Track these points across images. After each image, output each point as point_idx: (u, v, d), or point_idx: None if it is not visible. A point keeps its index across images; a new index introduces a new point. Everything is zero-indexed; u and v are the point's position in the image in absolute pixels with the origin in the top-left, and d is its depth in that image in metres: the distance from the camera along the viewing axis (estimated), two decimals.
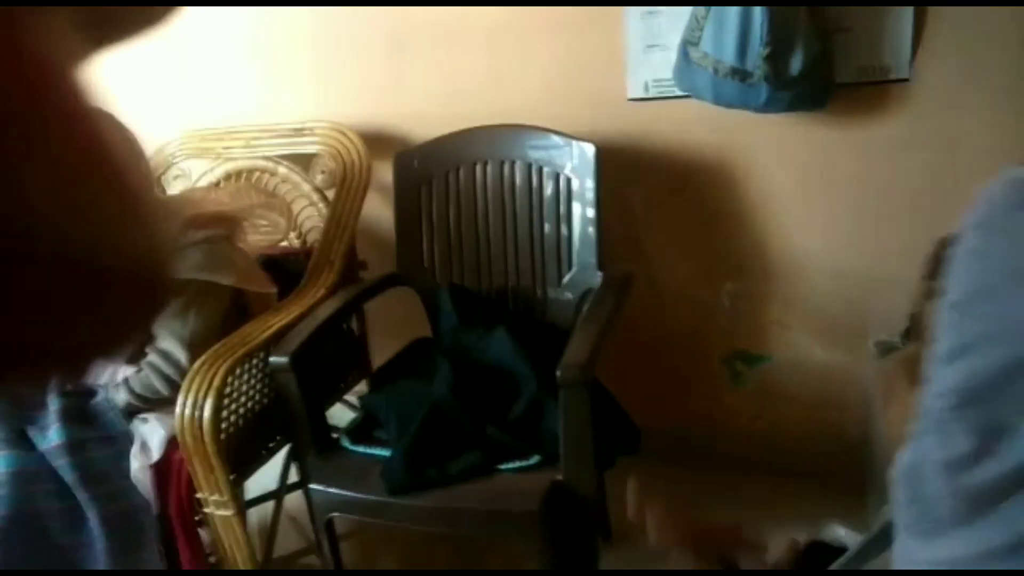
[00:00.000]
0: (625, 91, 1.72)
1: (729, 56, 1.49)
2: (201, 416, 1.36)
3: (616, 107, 1.73)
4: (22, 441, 1.41)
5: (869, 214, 1.63)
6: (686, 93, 1.61)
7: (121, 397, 1.49)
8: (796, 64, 1.46)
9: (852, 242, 1.67)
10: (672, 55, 1.59)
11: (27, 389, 1.52)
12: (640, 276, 1.83)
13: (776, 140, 1.64)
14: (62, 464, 1.38)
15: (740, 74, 1.49)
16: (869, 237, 1.65)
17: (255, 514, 1.78)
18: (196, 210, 1.55)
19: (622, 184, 1.77)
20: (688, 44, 1.54)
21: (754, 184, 1.69)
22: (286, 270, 1.78)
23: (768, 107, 1.52)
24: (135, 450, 1.43)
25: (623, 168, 1.75)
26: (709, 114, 1.61)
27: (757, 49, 1.45)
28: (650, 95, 1.71)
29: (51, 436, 1.40)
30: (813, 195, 1.67)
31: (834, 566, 0.60)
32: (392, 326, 1.86)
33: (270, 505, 1.71)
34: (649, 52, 1.68)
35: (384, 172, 1.84)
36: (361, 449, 1.44)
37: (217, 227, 1.56)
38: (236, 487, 1.47)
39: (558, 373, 1.24)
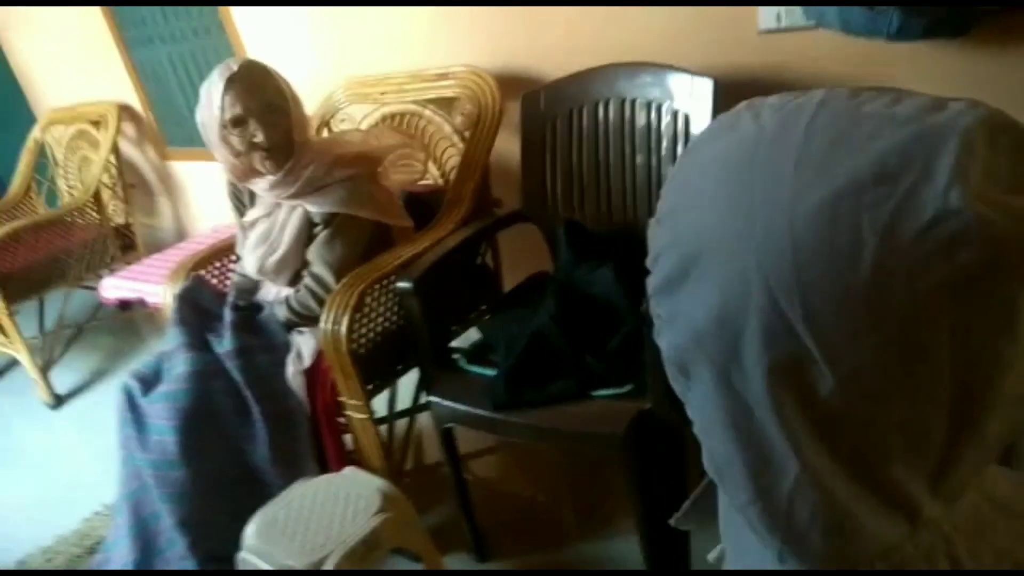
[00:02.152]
0: (756, 23, 1.67)
1: None
2: (339, 330, 1.57)
3: (745, 40, 1.68)
4: (203, 345, 1.71)
5: None
6: (814, 22, 1.54)
7: (282, 313, 1.74)
8: None
9: None
10: None
11: (212, 302, 1.83)
12: None
13: (912, 72, 1.51)
14: (232, 366, 1.65)
15: None
16: None
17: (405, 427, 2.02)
18: (341, 151, 1.75)
19: None
20: None
21: None
22: (428, 206, 1.94)
23: (901, 35, 1.41)
24: (291, 357, 1.69)
25: None
26: (840, 45, 1.53)
27: None
28: (782, 26, 1.65)
29: (225, 342, 1.68)
30: None
31: (678, 516, 0.65)
32: (523, 260, 1.97)
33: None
34: None
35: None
36: (475, 369, 1.59)
37: (360, 166, 1.75)
38: (371, 395, 1.68)
39: (642, 307, 1.29)
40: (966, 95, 0.44)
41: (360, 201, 1.71)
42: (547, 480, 2.01)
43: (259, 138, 1.64)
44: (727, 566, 0.58)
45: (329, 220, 1.71)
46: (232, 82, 1.63)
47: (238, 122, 1.64)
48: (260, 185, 1.73)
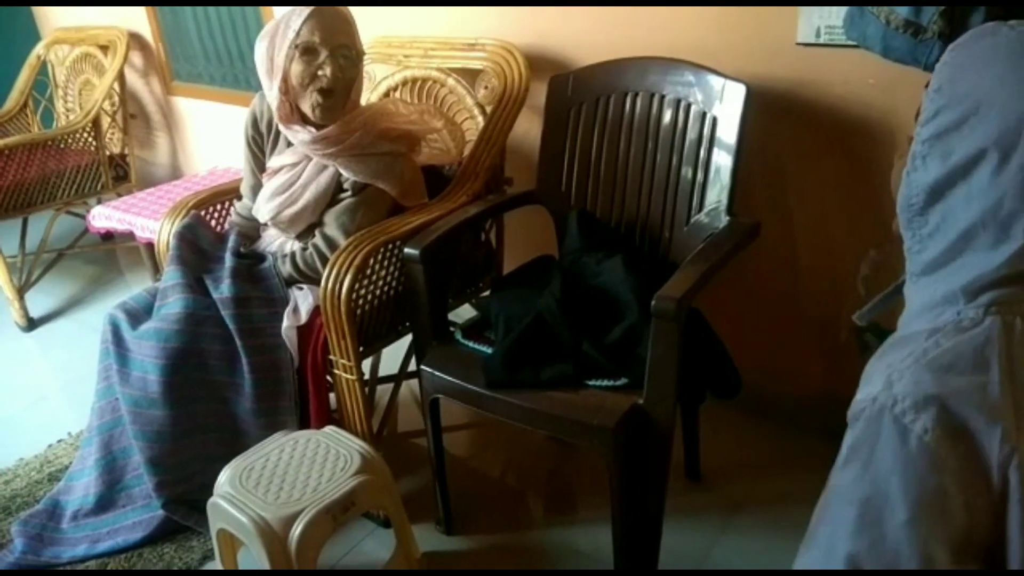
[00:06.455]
0: (795, 35, 1.66)
1: (904, 8, 1.40)
2: (340, 289, 1.55)
3: (782, 51, 1.68)
4: (199, 287, 1.68)
5: None
6: (855, 43, 1.53)
7: (285, 268, 1.72)
8: (975, 23, 1.34)
9: None
10: None
11: (211, 243, 1.79)
12: (778, 231, 1.80)
13: None
14: (227, 314, 1.63)
15: (913, 28, 1.40)
16: None
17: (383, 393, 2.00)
18: (390, 123, 1.72)
19: (775, 132, 1.73)
20: None
21: None
22: (442, 176, 1.92)
23: None
24: (288, 311, 1.66)
25: (779, 115, 1.70)
26: (878, 68, 1.52)
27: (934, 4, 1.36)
28: (820, 41, 1.64)
29: (223, 288, 1.65)
30: None
31: (860, 311, 0.98)
32: (527, 241, 1.96)
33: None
34: None
35: (544, 94, 1.90)
36: (471, 344, 1.58)
37: (401, 143, 1.73)
38: (362, 358, 1.66)
39: (652, 303, 1.29)
40: None
41: (393, 178, 1.69)
42: (521, 463, 2.01)
43: (324, 72, 1.60)
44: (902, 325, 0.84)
45: (359, 189, 1.68)
46: (317, 13, 1.60)
47: (308, 50, 1.60)
48: (300, 135, 1.67)
